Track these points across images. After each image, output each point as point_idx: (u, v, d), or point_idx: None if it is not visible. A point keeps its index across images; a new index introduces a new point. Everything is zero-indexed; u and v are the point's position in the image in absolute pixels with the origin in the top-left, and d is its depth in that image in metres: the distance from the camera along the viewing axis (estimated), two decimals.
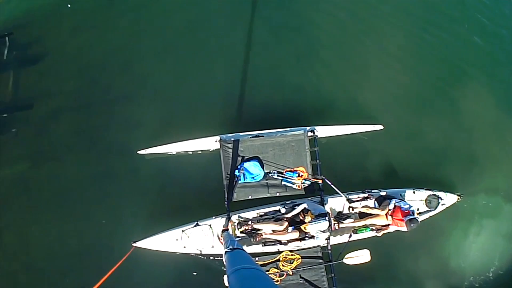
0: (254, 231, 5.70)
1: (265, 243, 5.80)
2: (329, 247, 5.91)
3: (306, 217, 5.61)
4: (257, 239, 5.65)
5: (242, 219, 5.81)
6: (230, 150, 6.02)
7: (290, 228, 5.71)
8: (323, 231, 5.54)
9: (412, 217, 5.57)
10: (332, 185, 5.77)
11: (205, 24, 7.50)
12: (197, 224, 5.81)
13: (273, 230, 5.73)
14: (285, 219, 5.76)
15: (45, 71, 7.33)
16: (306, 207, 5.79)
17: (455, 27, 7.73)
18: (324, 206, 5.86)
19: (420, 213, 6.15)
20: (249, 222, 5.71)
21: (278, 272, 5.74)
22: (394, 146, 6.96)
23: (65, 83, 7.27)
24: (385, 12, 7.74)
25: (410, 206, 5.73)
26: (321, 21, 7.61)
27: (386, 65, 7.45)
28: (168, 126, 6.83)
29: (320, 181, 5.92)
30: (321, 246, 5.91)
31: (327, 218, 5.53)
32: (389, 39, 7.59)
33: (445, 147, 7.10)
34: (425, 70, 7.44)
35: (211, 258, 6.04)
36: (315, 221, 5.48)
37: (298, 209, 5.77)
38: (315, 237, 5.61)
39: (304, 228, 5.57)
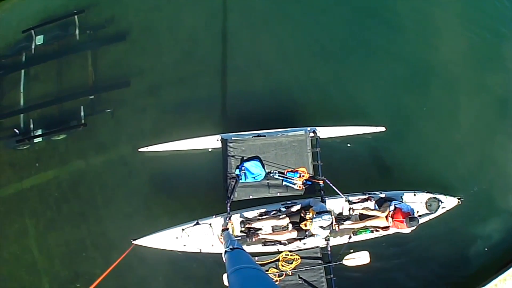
0: (254, 230, 5.70)
1: (265, 243, 5.80)
2: (329, 248, 5.90)
3: (307, 213, 5.59)
4: (255, 239, 5.65)
5: (243, 218, 5.80)
6: (232, 149, 6.01)
7: (290, 226, 5.71)
8: (325, 228, 5.52)
9: (412, 216, 5.58)
10: (332, 186, 5.76)
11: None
12: (197, 223, 5.80)
13: (273, 228, 5.74)
14: (286, 214, 5.76)
15: (129, 48, 7.08)
16: (308, 203, 5.80)
17: (461, 29, 7.72)
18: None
19: (420, 216, 6.12)
20: (250, 222, 5.71)
21: (277, 272, 5.74)
22: (396, 148, 6.96)
23: (155, 58, 7.04)
24: (384, 13, 7.75)
25: (411, 208, 5.72)
26: (319, 21, 7.63)
27: (387, 66, 7.45)
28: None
29: (321, 182, 5.91)
30: (321, 247, 5.91)
31: (330, 214, 5.51)
32: (390, 41, 7.59)
33: (447, 149, 7.09)
34: (427, 72, 7.43)
35: (211, 257, 6.06)
36: (318, 217, 5.46)
37: (298, 205, 5.78)
38: (315, 235, 5.60)
39: (305, 225, 5.57)
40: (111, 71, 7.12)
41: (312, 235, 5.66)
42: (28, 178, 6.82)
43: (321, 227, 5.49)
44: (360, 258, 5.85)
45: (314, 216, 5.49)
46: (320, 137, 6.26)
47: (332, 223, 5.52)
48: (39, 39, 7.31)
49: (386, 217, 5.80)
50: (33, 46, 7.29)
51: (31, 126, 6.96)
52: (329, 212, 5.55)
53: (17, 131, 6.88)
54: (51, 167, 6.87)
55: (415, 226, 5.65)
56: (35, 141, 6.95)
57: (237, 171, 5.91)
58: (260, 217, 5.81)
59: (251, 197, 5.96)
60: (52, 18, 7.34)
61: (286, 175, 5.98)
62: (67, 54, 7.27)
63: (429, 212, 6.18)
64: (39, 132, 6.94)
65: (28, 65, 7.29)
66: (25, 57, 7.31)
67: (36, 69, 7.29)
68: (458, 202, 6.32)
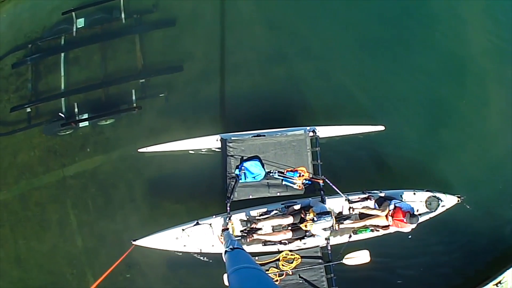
0: (254, 230, 5.70)
1: (265, 243, 5.80)
2: (329, 248, 5.90)
3: (307, 214, 5.60)
4: (256, 239, 5.66)
5: (243, 218, 5.80)
6: (231, 149, 6.01)
7: (290, 227, 5.71)
8: (326, 229, 5.52)
9: (413, 213, 5.60)
10: (332, 186, 5.77)
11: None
12: (197, 223, 5.80)
13: (273, 228, 5.74)
14: (286, 214, 5.76)
15: (178, 34, 6.96)
16: (308, 204, 5.81)
17: (460, 28, 7.69)
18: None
19: (420, 214, 6.11)
20: (250, 222, 5.72)
21: (277, 272, 5.74)
22: (395, 147, 6.95)
23: (204, 45, 6.95)
24: (382, 14, 7.72)
25: (411, 207, 5.72)
26: (320, 22, 7.62)
27: (387, 65, 7.45)
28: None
29: (321, 181, 5.91)
30: (321, 246, 5.91)
31: (330, 215, 5.51)
32: (390, 40, 7.58)
33: (446, 148, 7.09)
34: (427, 71, 7.42)
35: (211, 257, 6.06)
36: (319, 220, 5.46)
37: (298, 205, 5.80)
38: (316, 237, 5.61)
39: (305, 226, 5.57)
40: (161, 56, 6.99)
41: (312, 235, 5.66)
42: (70, 165, 6.65)
43: (322, 228, 5.50)
44: (361, 257, 5.85)
45: (315, 218, 5.50)
46: (320, 137, 6.27)
47: (333, 224, 5.53)
48: (80, 22, 7.12)
49: (386, 216, 5.80)
50: (74, 29, 7.09)
51: (76, 110, 6.73)
52: (329, 213, 5.56)
53: (62, 115, 6.67)
54: (97, 153, 6.69)
55: (416, 224, 5.65)
56: (80, 126, 6.71)
57: (237, 171, 5.91)
58: (260, 217, 5.82)
59: (251, 196, 5.96)
60: (94, 1, 7.17)
61: (285, 174, 5.98)
62: (111, 38, 7.11)
63: (429, 210, 6.18)
64: (85, 116, 6.72)
65: (68, 48, 7.09)
66: (65, 40, 7.10)
67: (77, 52, 7.10)
68: (458, 200, 6.31)
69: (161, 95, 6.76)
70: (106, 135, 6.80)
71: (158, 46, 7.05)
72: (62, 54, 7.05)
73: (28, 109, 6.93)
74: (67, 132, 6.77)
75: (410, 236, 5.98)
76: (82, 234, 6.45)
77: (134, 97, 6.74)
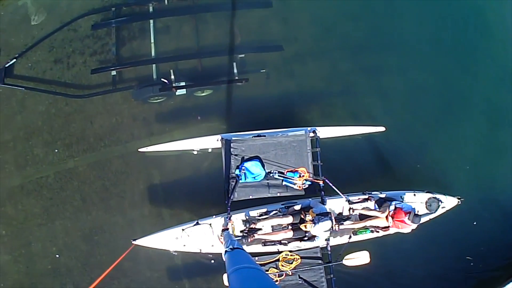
0: (254, 231, 5.70)
1: (265, 243, 5.80)
2: (329, 248, 5.89)
3: (307, 215, 5.60)
4: (255, 239, 5.65)
5: (243, 218, 5.80)
6: (232, 149, 6.00)
7: (290, 227, 5.72)
8: (325, 231, 5.52)
9: (416, 213, 5.62)
10: (332, 186, 5.77)
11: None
12: (197, 223, 5.80)
13: (273, 228, 5.75)
14: (287, 215, 5.77)
15: (271, 15, 7.02)
16: (308, 204, 5.81)
17: (461, 33, 7.71)
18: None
19: (420, 216, 6.13)
20: (250, 222, 5.72)
21: (277, 272, 5.73)
22: (396, 148, 6.97)
23: (299, 29, 7.03)
24: (381, 13, 7.74)
25: (412, 208, 5.73)
26: (324, 22, 7.63)
27: (388, 66, 7.46)
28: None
29: (321, 182, 5.91)
30: (321, 247, 5.91)
31: (330, 216, 5.52)
32: (392, 41, 7.59)
33: (447, 149, 7.10)
34: (428, 72, 7.43)
35: (211, 257, 6.05)
36: (318, 221, 5.47)
37: (298, 206, 5.80)
38: (315, 238, 5.61)
39: (305, 226, 5.58)
40: (256, 34, 7.04)
41: (312, 235, 5.67)
42: (160, 135, 6.45)
43: (321, 229, 5.50)
44: (360, 258, 5.85)
45: (315, 219, 5.50)
46: (320, 137, 6.26)
47: (332, 225, 5.53)
48: None
49: (386, 217, 5.81)
50: None
51: (172, 77, 6.46)
52: (329, 214, 5.57)
53: (165, 80, 6.37)
54: (190, 124, 6.51)
55: (417, 225, 5.66)
56: (177, 93, 6.49)
57: (237, 171, 5.90)
58: (260, 217, 5.82)
59: (251, 197, 5.95)
60: None
61: (286, 175, 5.98)
62: (204, 12, 7.02)
63: (429, 212, 6.19)
64: (182, 84, 6.50)
65: (157, 16, 6.92)
66: (154, 8, 6.92)
67: (166, 22, 6.94)
68: (458, 202, 6.32)
69: (262, 70, 6.77)
70: (201, 106, 6.63)
71: (253, 24, 7.04)
72: (151, 21, 6.84)
73: (113, 72, 6.58)
74: (158, 100, 6.53)
75: (475, 223, 5.83)
76: (168, 208, 6.20)
77: (236, 70, 6.66)
